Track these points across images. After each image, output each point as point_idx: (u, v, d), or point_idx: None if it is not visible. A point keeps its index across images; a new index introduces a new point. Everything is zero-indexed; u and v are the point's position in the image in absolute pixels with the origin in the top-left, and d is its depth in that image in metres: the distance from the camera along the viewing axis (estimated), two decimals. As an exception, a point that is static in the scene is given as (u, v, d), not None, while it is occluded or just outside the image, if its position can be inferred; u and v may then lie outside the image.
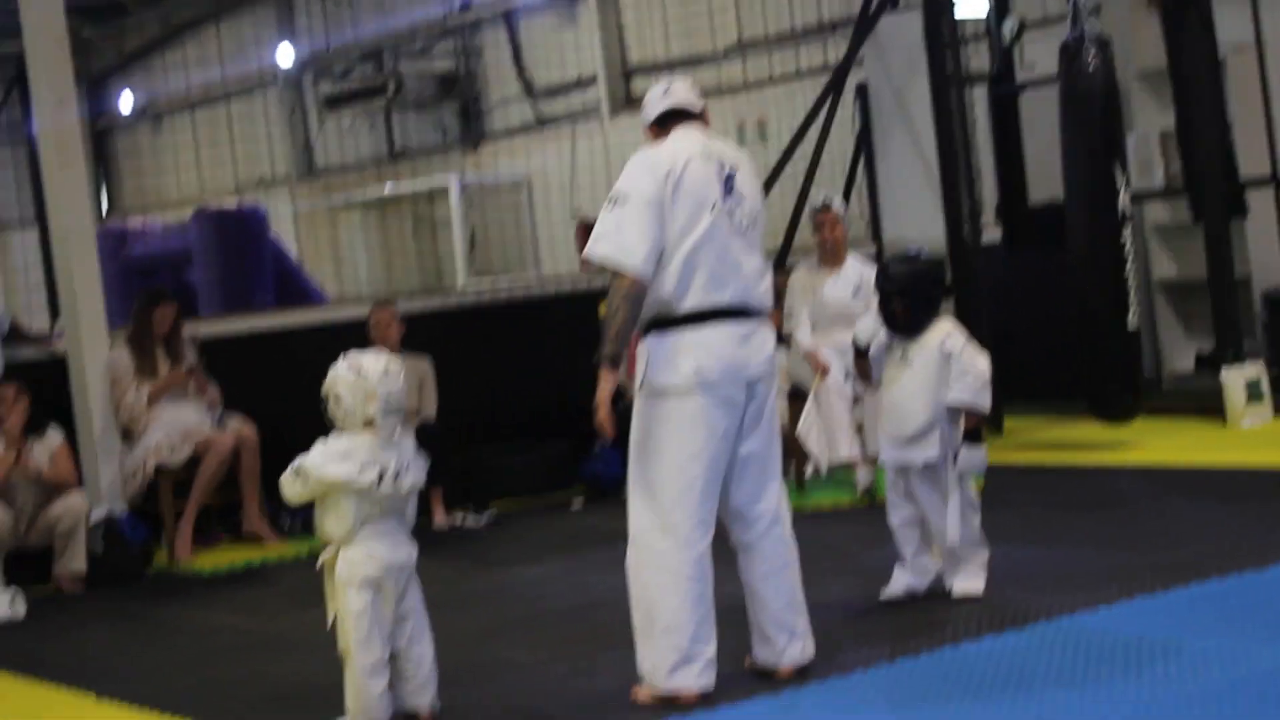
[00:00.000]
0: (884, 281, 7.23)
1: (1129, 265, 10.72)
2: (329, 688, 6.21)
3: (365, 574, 5.90)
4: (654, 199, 5.93)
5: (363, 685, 5.90)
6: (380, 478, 5.89)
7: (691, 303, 5.98)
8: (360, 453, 5.91)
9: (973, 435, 7.10)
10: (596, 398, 6.00)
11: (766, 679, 6.16)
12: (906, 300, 7.18)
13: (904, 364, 7.17)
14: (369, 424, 5.93)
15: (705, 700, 5.96)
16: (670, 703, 5.96)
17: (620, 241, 5.92)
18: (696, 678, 5.97)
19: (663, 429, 6.02)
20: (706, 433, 5.98)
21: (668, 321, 6.02)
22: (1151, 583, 7.01)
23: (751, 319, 6.09)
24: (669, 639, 5.95)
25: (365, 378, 5.94)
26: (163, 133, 26.52)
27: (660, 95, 6.29)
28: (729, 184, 6.08)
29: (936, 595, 7.23)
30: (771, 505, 6.18)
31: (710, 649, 6.00)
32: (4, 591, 9.03)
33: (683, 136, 6.17)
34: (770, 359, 6.15)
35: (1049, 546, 8.13)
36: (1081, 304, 10.83)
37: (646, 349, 6.08)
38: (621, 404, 11.40)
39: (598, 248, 5.97)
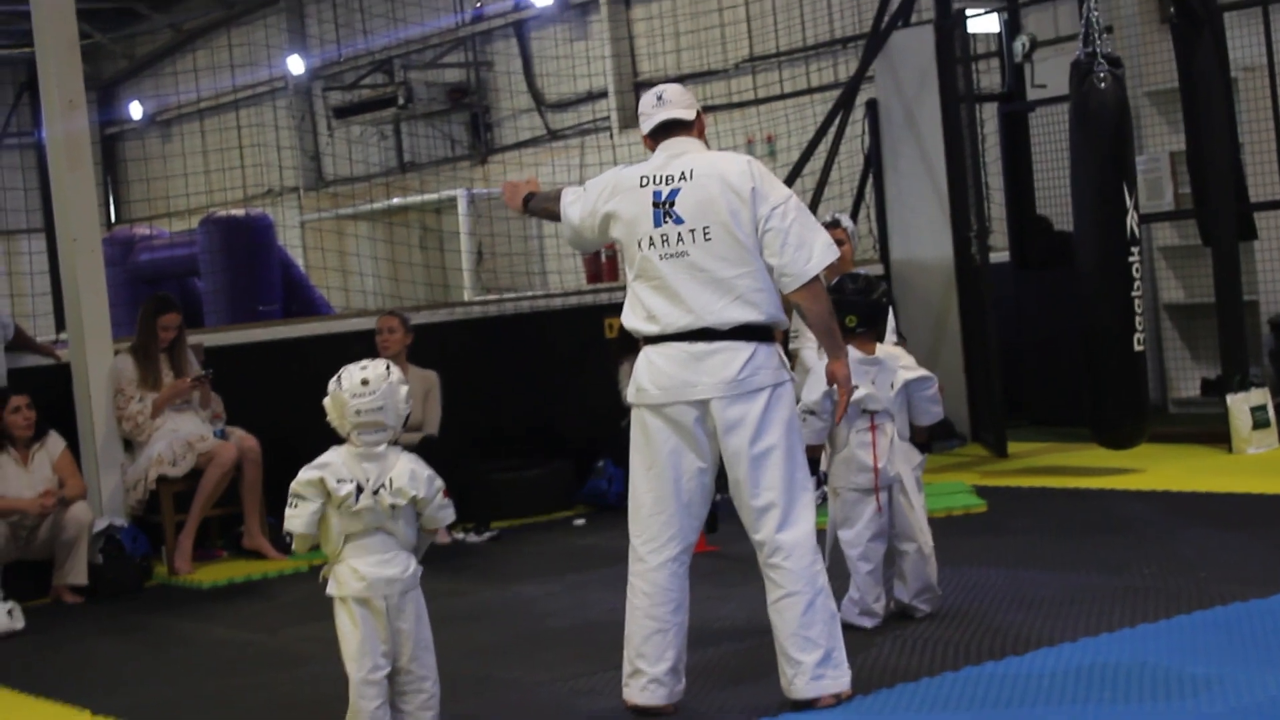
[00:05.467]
0: (839, 297, 7.22)
1: (1136, 286, 10.63)
2: (328, 701, 6.18)
3: (351, 590, 5.85)
4: (584, 216, 6.27)
5: (354, 701, 5.87)
6: (359, 491, 5.83)
7: (643, 330, 6.12)
8: (337, 465, 5.87)
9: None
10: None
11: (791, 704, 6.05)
12: (859, 313, 7.29)
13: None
14: (348, 436, 5.90)
15: (648, 715, 6.07)
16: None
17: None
18: (639, 693, 6.07)
19: (630, 443, 6.19)
20: (651, 450, 6.07)
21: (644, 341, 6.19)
22: (1155, 609, 6.99)
23: (714, 339, 5.99)
24: (625, 651, 6.13)
25: (340, 389, 5.88)
26: (171, 140, 26.55)
27: (654, 105, 6.25)
28: (665, 208, 6.04)
29: (936, 618, 7.20)
30: (768, 534, 6.02)
31: (658, 668, 6.04)
32: (1, 604, 8.98)
33: (657, 153, 6.21)
34: (734, 381, 5.97)
35: (1053, 570, 8.08)
36: (1088, 325, 10.75)
37: None
38: (624, 423, 11.37)
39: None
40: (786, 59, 17.85)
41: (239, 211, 17.97)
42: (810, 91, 17.18)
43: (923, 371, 7.43)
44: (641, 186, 6.11)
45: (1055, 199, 12.86)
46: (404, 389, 5.94)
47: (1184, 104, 11.96)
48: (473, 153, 21.85)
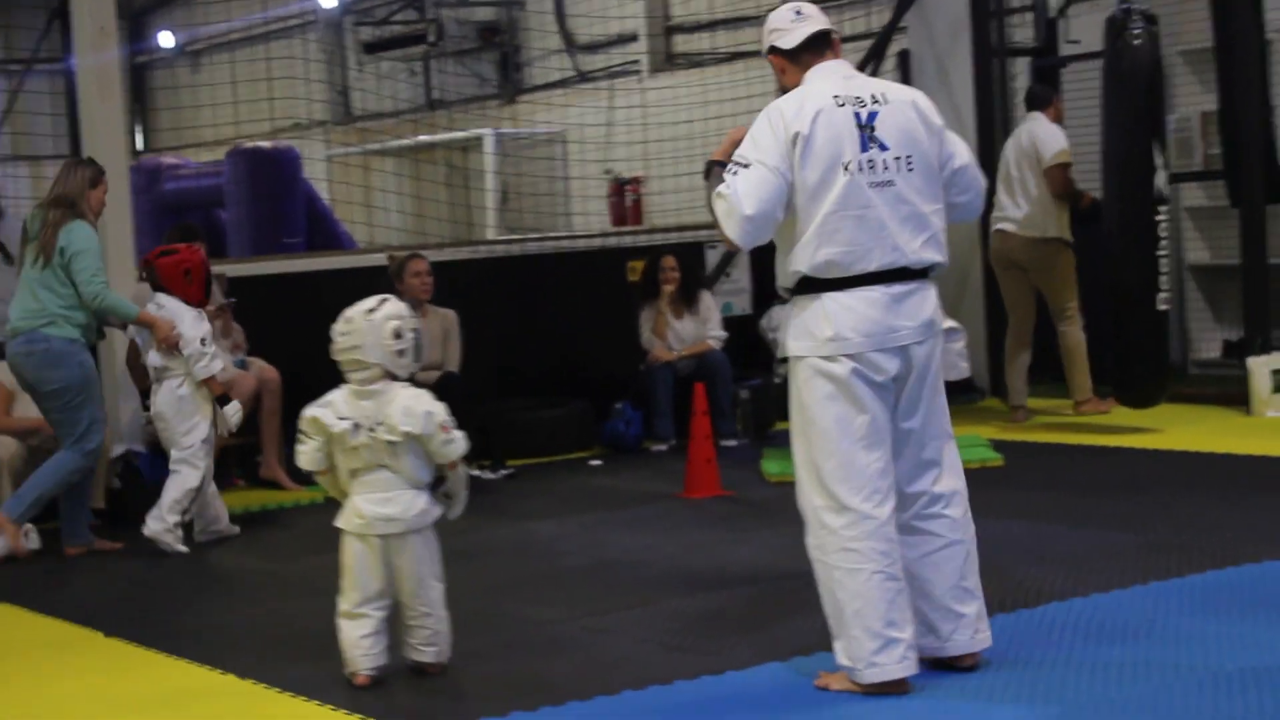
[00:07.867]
0: None
1: (1162, 245, 10.56)
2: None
3: (350, 525, 5.97)
4: (776, 167, 5.45)
5: (340, 631, 5.97)
6: (356, 428, 5.86)
7: (833, 271, 5.48)
8: (338, 403, 5.95)
9: None
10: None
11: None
12: None
13: None
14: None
15: (904, 688, 5.48)
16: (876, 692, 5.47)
17: (732, 206, 5.45)
18: (898, 664, 5.46)
19: (811, 400, 5.54)
20: (854, 402, 5.47)
21: (808, 286, 5.55)
22: (1169, 567, 6.99)
23: (909, 279, 5.56)
24: (862, 623, 5.45)
25: (334, 330, 5.93)
26: (201, 71, 26.50)
27: (793, 18, 5.75)
28: (869, 132, 5.52)
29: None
30: (928, 485, 5.62)
31: (907, 631, 5.47)
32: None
33: (819, 78, 5.66)
34: (929, 323, 5.59)
35: (1067, 526, 8.09)
36: (1112, 283, 10.70)
37: (789, 316, 5.64)
38: (643, 366, 11.35)
39: (716, 206, 5.53)
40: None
41: (266, 144, 17.95)
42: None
43: (953, 323, 7.37)
44: (839, 106, 5.53)
45: (1085, 155, 12.79)
46: (391, 325, 5.91)
47: (1218, 64, 11.91)
48: (501, 92, 21.76)
